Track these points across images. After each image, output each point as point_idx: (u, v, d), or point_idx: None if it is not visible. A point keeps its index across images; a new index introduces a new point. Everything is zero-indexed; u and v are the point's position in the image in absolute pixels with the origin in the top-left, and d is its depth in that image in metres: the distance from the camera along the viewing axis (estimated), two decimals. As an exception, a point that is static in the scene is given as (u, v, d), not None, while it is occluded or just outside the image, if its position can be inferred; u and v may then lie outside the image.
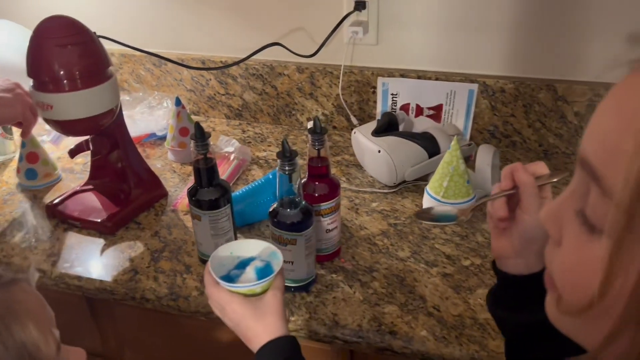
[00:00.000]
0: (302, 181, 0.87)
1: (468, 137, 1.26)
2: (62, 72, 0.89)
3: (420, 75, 1.26)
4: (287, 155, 0.77)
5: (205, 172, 0.86)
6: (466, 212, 0.69)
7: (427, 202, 1.04)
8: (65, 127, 0.94)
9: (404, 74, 1.27)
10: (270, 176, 1.04)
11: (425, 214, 0.72)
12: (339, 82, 1.31)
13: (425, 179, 1.14)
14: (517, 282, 0.62)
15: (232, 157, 1.23)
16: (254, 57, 1.32)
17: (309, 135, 0.85)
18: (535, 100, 1.20)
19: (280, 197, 0.81)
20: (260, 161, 1.26)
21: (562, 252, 0.39)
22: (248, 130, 1.41)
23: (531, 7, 1.14)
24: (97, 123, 0.96)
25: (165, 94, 1.44)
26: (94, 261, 0.95)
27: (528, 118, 1.23)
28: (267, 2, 1.30)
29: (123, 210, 1.04)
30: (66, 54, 0.89)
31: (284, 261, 0.79)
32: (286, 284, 0.85)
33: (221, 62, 1.38)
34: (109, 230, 1.01)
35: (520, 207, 0.60)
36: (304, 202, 0.82)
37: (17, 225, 1.05)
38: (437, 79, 1.25)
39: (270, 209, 0.83)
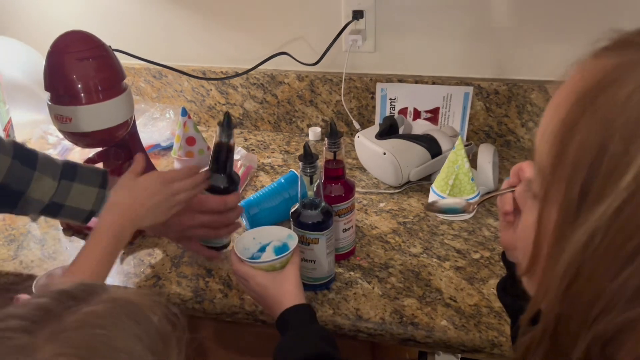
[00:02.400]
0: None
1: (465, 137, 1.31)
2: (81, 85, 0.91)
3: (417, 80, 1.31)
4: (308, 158, 0.81)
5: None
6: (472, 206, 0.74)
7: (433, 199, 1.08)
8: (83, 139, 0.97)
9: (401, 79, 1.32)
10: (283, 180, 1.07)
11: (433, 206, 0.77)
12: (338, 89, 1.36)
13: (428, 178, 1.18)
14: None
15: (239, 164, 1.26)
16: (251, 66, 1.36)
17: (325, 139, 0.89)
18: (527, 100, 1.26)
19: (301, 198, 0.85)
20: (266, 167, 1.29)
21: (521, 223, 0.46)
22: (250, 138, 1.44)
23: (522, 13, 1.20)
24: (114, 134, 0.98)
25: (166, 105, 1.46)
26: (115, 270, 0.97)
27: (521, 118, 1.29)
28: (265, 13, 1.34)
29: (139, 219, 1.06)
30: (86, 67, 0.91)
31: (306, 260, 0.84)
32: (308, 282, 0.89)
33: (222, 72, 1.42)
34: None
35: None
36: (324, 203, 0.85)
37: (32, 238, 1.06)
38: (433, 83, 1.30)
39: (292, 210, 0.87)
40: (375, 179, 1.21)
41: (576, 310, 0.39)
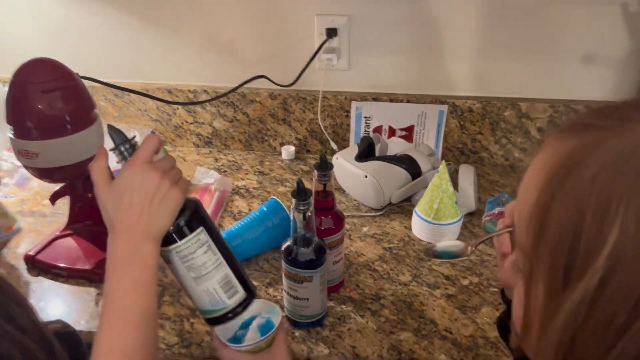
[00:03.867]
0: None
1: (440, 155, 1.31)
2: (48, 118, 0.84)
3: (392, 98, 1.30)
4: (302, 194, 0.78)
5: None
6: (470, 248, 0.70)
7: (417, 223, 1.07)
8: (51, 174, 0.90)
9: (376, 97, 1.30)
10: (265, 209, 1.03)
11: (431, 251, 0.75)
12: (312, 107, 1.33)
13: (408, 199, 1.17)
14: None
15: (212, 188, 1.21)
16: (224, 85, 1.31)
17: (315, 171, 0.86)
18: (501, 118, 1.27)
19: (294, 235, 0.81)
20: (241, 190, 1.25)
21: (514, 296, 0.47)
22: (220, 158, 1.39)
23: (494, 32, 1.21)
24: (85, 167, 0.91)
25: (130, 125, 1.39)
26: (89, 313, 0.91)
27: (494, 135, 1.30)
28: (234, 30, 1.30)
29: (111, 255, 0.99)
30: (52, 99, 0.84)
31: (300, 298, 0.81)
32: (301, 321, 0.86)
33: (189, 90, 1.36)
34: (100, 278, 0.96)
35: None
36: (317, 239, 0.82)
37: (-7, 280, 0.98)
38: (408, 101, 1.29)
39: (284, 247, 0.83)
40: (355, 200, 1.19)
41: None
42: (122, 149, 0.66)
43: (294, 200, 0.79)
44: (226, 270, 0.70)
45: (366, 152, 1.19)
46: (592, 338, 0.37)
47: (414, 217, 1.08)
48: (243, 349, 0.72)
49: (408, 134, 1.32)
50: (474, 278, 0.97)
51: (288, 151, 1.37)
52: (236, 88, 1.25)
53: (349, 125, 1.34)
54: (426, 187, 1.16)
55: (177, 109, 1.39)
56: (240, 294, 0.71)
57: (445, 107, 1.27)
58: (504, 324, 0.70)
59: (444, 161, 1.04)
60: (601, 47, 1.19)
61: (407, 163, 1.16)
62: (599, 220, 0.37)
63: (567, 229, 0.38)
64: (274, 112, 1.36)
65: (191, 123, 1.41)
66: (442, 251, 0.72)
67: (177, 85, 1.37)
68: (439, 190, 1.03)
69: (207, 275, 0.67)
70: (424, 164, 1.17)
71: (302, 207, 0.78)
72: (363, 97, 1.30)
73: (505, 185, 1.25)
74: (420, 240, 1.07)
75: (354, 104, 1.30)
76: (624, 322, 0.36)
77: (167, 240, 0.66)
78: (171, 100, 1.34)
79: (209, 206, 1.16)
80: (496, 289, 0.94)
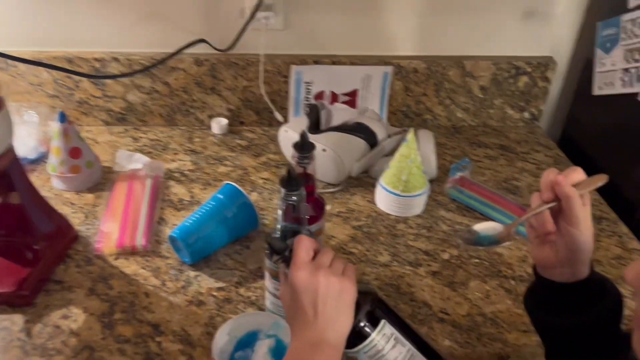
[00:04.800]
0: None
1: (385, 119, 1.24)
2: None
3: (335, 60, 1.19)
4: (293, 183, 0.66)
5: None
6: (511, 233, 0.63)
7: (384, 197, 1.00)
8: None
9: (317, 60, 1.19)
10: (221, 196, 0.89)
11: (469, 239, 0.66)
12: (245, 74, 1.18)
13: (365, 171, 1.10)
14: (563, 289, 0.62)
15: (142, 174, 1.04)
16: (140, 50, 1.13)
17: (294, 151, 0.74)
18: (445, 77, 1.23)
19: (283, 228, 0.70)
20: (175, 174, 1.08)
21: None
22: (140, 137, 1.20)
23: (440, -13, 1.15)
24: (-6, 167, 0.71)
25: (21, 104, 1.14)
26: (20, 347, 0.73)
27: (439, 96, 1.25)
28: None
29: (36, 270, 0.80)
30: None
31: (277, 259, 0.71)
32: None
33: (94, 58, 1.14)
34: (25, 301, 0.78)
35: (566, 220, 0.58)
36: (308, 232, 0.72)
37: None
38: (352, 64, 1.19)
39: (268, 243, 0.71)
40: (308, 176, 1.09)
41: None
42: (287, 254, 0.61)
43: (283, 190, 0.67)
44: (420, 358, 0.61)
45: (317, 123, 1.08)
46: None
47: (380, 191, 1.01)
48: None
49: (352, 99, 1.23)
50: (452, 251, 0.93)
51: (220, 124, 1.22)
52: (175, 54, 1.06)
53: (287, 92, 1.21)
54: (384, 157, 1.10)
55: (80, 81, 1.16)
56: None
57: (390, 69, 1.20)
58: (535, 301, 0.65)
59: (412, 129, 0.97)
60: (540, 4, 1.18)
61: (364, 132, 1.07)
62: None
63: None
64: (201, 81, 1.19)
65: (99, 97, 1.19)
66: (483, 236, 0.64)
67: (78, 52, 1.14)
68: (408, 161, 0.96)
69: None
70: (380, 132, 1.09)
71: (293, 199, 0.67)
72: (303, 61, 1.18)
73: (453, 147, 1.22)
74: (388, 214, 1.00)
75: (293, 68, 1.18)
76: None
77: (350, 341, 0.58)
78: (72, 70, 1.11)
79: (142, 196, 0.99)
80: (478, 260, 0.91)
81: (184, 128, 1.23)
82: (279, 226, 0.71)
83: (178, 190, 1.04)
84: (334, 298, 0.57)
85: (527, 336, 0.78)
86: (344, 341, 0.57)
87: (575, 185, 0.59)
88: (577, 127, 1.25)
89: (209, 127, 1.23)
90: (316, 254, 0.61)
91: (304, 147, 0.73)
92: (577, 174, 0.60)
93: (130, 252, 0.88)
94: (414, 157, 0.96)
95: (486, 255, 0.92)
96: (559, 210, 0.59)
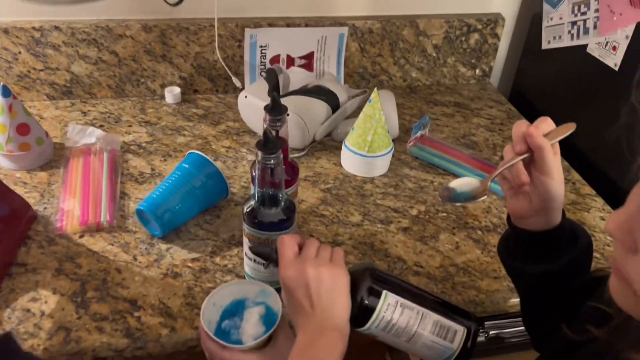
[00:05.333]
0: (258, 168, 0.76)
1: (342, 82, 1.24)
2: None
3: (289, 22, 1.17)
4: (271, 146, 0.65)
5: None
6: (486, 188, 0.63)
7: (349, 158, 1.01)
8: None
9: (271, 22, 1.16)
10: (186, 165, 0.87)
11: (446, 197, 0.67)
12: (197, 39, 1.14)
13: (329, 135, 1.10)
14: (538, 237, 0.63)
15: (97, 148, 0.99)
16: (83, 18, 1.06)
17: (266, 114, 0.73)
18: (399, 37, 1.23)
19: (261, 194, 0.69)
20: (132, 147, 1.04)
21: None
22: (89, 110, 1.14)
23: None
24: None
25: (-46, 79, 1.06)
26: (-9, 335, 0.69)
27: (394, 56, 1.26)
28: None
29: (-4, 254, 0.76)
30: None
31: (266, 264, 0.71)
32: (275, 287, 0.75)
33: (33, 28, 1.06)
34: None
35: (539, 170, 0.59)
36: (285, 196, 0.71)
37: None
38: (307, 25, 1.17)
39: (247, 209, 0.70)
40: (271, 142, 1.07)
41: None
42: (275, 256, 0.61)
43: (260, 154, 0.65)
44: (433, 317, 0.60)
45: (276, 88, 1.07)
46: None
47: (345, 152, 1.01)
48: (246, 348, 0.60)
49: (308, 62, 1.21)
50: (420, 206, 0.95)
51: (173, 93, 1.17)
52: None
53: (242, 57, 1.18)
54: (347, 119, 1.10)
55: (20, 52, 1.09)
56: (460, 331, 0.61)
57: (345, 30, 1.19)
58: (510, 251, 0.67)
59: (375, 89, 0.97)
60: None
61: (325, 95, 1.06)
62: None
63: None
64: (150, 48, 1.14)
65: (41, 70, 1.12)
66: (460, 192, 0.65)
67: (13, 22, 1.06)
68: (372, 121, 0.96)
69: (417, 333, 0.59)
70: (340, 94, 1.09)
71: (271, 162, 0.66)
72: (257, 24, 1.15)
73: (410, 107, 1.24)
74: (355, 175, 1.01)
75: (247, 32, 1.15)
76: None
77: (359, 320, 0.59)
78: (8, 42, 1.04)
79: (101, 171, 0.94)
80: (445, 214, 0.94)
81: (135, 99, 1.18)
82: (253, 193, 0.70)
83: (137, 163, 1.00)
84: (326, 286, 0.57)
85: (498, 282, 0.81)
86: (346, 323, 0.57)
87: (546, 135, 0.60)
88: (527, 81, 1.29)
89: (162, 97, 1.19)
90: (301, 247, 0.61)
91: (275, 110, 0.72)
92: (547, 124, 0.61)
93: (95, 229, 0.85)
94: (378, 117, 0.96)
95: (452, 209, 0.94)
96: (532, 160, 0.61)
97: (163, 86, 1.19)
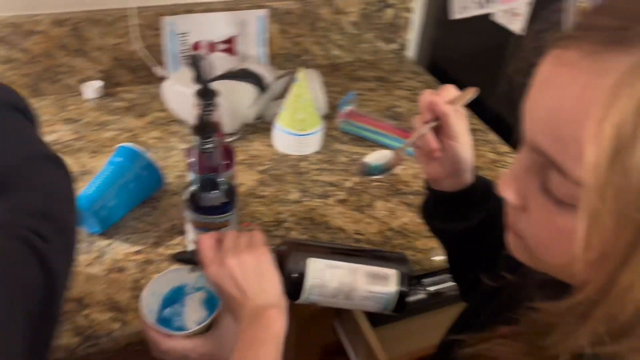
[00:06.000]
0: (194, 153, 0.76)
1: (266, 64, 1.25)
2: None
3: (207, 8, 1.16)
4: (207, 129, 0.66)
5: None
6: (399, 158, 0.67)
7: (282, 138, 1.03)
8: None
9: (189, 9, 1.15)
10: (120, 159, 0.86)
11: (362, 171, 0.68)
12: (113, 30, 1.11)
13: (259, 117, 1.11)
14: (453, 198, 0.68)
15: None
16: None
17: (197, 100, 0.73)
18: (318, 17, 1.26)
19: (201, 179, 0.70)
20: (57, 146, 1.01)
21: (533, 220, 0.43)
22: (4, 112, 1.08)
23: None
24: None
25: None
26: None
27: (314, 35, 1.28)
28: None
29: None
30: None
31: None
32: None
33: None
34: None
35: (447, 135, 0.63)
36: (223, 179, 0.72)
37: None
38: (226, 10, 1.17)
39: (188, 196, 0.71)
40: (202, 129, 1.07)
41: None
42: (196, 259, 0.61)
43: (197, 139, 0.66)
44: (363, 269, 0.62)
45: (203, 73, 1.06)
46: None
47: (278, 133, 1.03)
48: (190, 333, 0.61)
49: (230, 46, 1.21)
50: (354, 178, 0.99)
51: (93, 88, 1.14)
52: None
53: (161, 46, 1.16)
54: (275, 100, 1.11)
55: None
56: (392, 274, 0.63)
57: (264, 12, 1.20)
58: (430, 213, 0.72)
59: (301, 69, 0.99)
60: None
61: (252, 78, 1.07)
62: None
63: None
64: (65, 43, 1.09)
65: (-56, 73, 1.05)
66: (375, 166, 0.69)
67: None
68: (301, 100, 0.99)
69: (352, 288, 0.62)
70: (266, 76, 1.10)
71: (208, 146, 0.67)
72: (174, 11, 1.14)
73: (335, 84, 1.27)
74: (289, 154, 1.03)
75: (165, 20, 1.13)
76: None
77: (293, 293, 0.61)
78: None
79: (27, 174, 0.91)
80: (378, 183, 0.98)
81: (54, 97, 1.14)
82: (193, 179, 0.71)
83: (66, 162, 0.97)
84: (251, 269, 0.58)
85: (432, 241, 0.87)
86: (280, 297, 0.58)
87: (451, 102, 0.64)
88: (442, 52, 1.36)
89: (82, 93, 1.15)
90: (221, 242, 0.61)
91: (207, 95, 0.73)
92: (450, 91, 0.64)
93: (28, 232, 0.82)
94: (306, 95, 0.99)
95: (384, 177, 0.99)
96: (439, 127, 0.64)
97: (82, 81, 1.15)
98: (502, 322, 0.50)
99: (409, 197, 0.95)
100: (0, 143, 0.52)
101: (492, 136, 1.13)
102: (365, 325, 0.85)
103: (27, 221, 0.48)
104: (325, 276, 0.61)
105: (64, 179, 0.57)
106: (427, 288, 0.95)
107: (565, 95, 0.36)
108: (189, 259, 0.62)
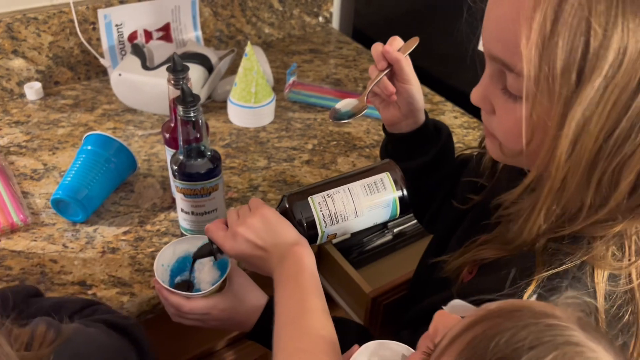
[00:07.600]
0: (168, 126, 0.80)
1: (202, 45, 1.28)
2: None
3: (140, -3, 1.17)
4: (189, 99, 0.70)
5: None
6: (363, 105, 0.74)
7: (237, 113, 1.08)
8: None
9: (123, 0, 1.16)
10: (90, 147, 0.87)
11: (333, 116, 0.75)
12: (48, 28, 1.10)
13: (208, 97, 1.15)
14: (410, 137, 0.77)
15: (-24, 157, 0.93)
16: None
17: (170, 75, 0.77)
18: (245, -4, 1.31)
19: (187, 148, 0.74)
20: (12, 149, 0.99)
21: (498, 119, 0.53)
22: (-57, 123, 1.05)
23: None
24: None
25: None
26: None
27: (245, 15, 1.33)
28: None
29: None
30: None
31: (207, 212, 0.78)
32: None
33: None
34: None
35: (400, 79, 0.71)
36: (205, 146, 0.76)
37: None
38: (158, -2, 1.19)
39: (176, 166, 0.75)
40: (156, 115, 1.10)
41: (586, 159, 0.45)
42: (215, 246, 0.66)
43: (180, 108, 0.70)
44: (357, 184, 0.67)
45: (146, 61, 1.08)
46: (603, 117, 0.43)
47: (232, 108, 1.08)
48: (207, 293, 0.66)
49: (166, 33, 1.23)
50: (313, 140, 1.06)
51: (34, 89, 1.12)
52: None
53: (98, 39, 1.16)
54: (222, 80, 1.16)
55: None
56: (385, 177, 0.67)
57: (196, -4, 1.23)
58: (391, 155, 0.80)
59: (249, 42, 1.04)
60: None
61: (198, 59, 1.11)
62: (604, 23, 0.41)
63: (576, 43, 0.42)
64: (-2, 45, 1.07)
65: None
66: (344, 112, 0.76)
67: None
68: (252, 73, 1.04)
69: (356, 204, 0.66)
70: (211, 57, 1.14)
71: (192, 114, 0.71)
72: (108, 3, 1.14)
73: (273, 60, 1.32)
74: (247, 127, 1.08)
75: (100, 12, 1.13)
76: (629, 96, 0.43)
77: (312, 235, 0.66)
78: None
79: (-10, 177, 0.90)
80: (335, 142, 1.06)
81: (-8, 102, 1.11)
82: (179, 150, 0.75)
83: (25, 162, 0.96)
84: (262, 227, 0.62)
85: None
86: (298, 237, 0.63)
87: (399, 51, 0.72)
88: (364, 20, 1.45)
89: (22, 95, 1.13)
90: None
91: (177, 68, 0.77)
92: (398, 41, 0.73)
93: (10, 230, 0.82)
94: (257, 68, 1.04)
95: (340, 136, 1.07)
96: (392, 73, 0.72)
97: (20, 84, 1.13)
98: (476, 236, 0.59)
99: (365, 150, 1.04)
100: None
101: (425, 89, 1.24)
102: (345, 264, 0.93)
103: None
104: (329, 205, 0.66)
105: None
106: (393, 230, 1.05)
107: (504, 3, 0.46)
108: (207, 250, 0.66)
